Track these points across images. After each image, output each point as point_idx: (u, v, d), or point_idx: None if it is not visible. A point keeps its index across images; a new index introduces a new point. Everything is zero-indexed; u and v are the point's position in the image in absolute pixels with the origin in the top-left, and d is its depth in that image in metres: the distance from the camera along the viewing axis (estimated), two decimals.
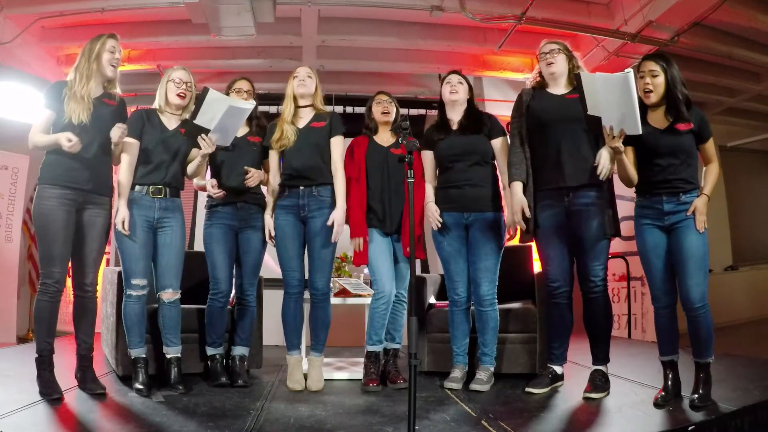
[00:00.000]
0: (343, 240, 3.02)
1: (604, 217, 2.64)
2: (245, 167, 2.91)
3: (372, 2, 4.44)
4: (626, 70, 2.29)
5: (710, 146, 2.50)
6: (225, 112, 2.65)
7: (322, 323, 2.97)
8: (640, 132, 2.37)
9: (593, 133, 2.59)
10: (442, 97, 3.02)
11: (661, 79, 2.46)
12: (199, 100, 2.65)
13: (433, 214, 2.90)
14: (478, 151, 2.90)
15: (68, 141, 2.40)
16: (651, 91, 2.47)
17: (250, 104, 2.80)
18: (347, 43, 5.08)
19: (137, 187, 2.75)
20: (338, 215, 2.87)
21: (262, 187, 3.09)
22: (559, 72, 2.75)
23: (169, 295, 2.81)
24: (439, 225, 2.89)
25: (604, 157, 2.53)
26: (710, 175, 2.47)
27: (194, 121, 2.68)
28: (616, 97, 2.31)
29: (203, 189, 2.97)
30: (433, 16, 4.50)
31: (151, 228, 2.77)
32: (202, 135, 2.71)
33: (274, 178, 2.98)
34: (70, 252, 2.55)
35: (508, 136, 2.92)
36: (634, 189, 2.59)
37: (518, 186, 2.75)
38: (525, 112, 2.79)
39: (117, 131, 2.57)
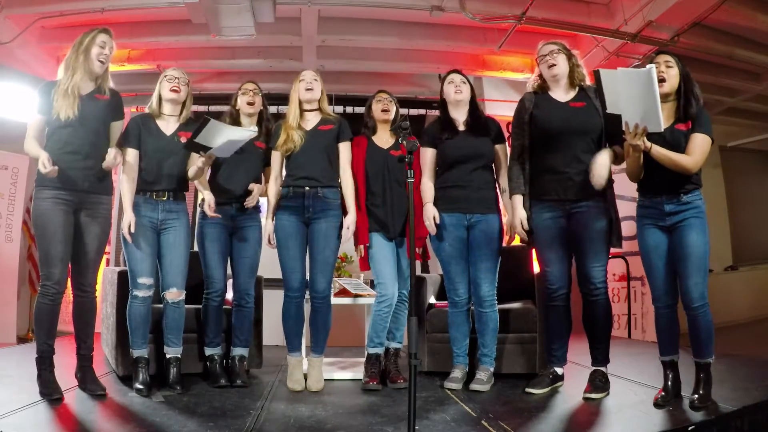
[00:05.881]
0: (344, 240, 3.03)
1: (605, 222, 2.63)
2: (250, 186, 2.92)
3: (372, 2, 4.44)
4: (648, 66, 2.24)
5: (698, 139, 2.38)
6: (224, 142, 2.64)
7: (323, 328, 2.96)
8: (662, 129, 2.30)
9: (611, 132, 2.53)
10: (444, 97, 2.99)
11: (675, 71, 2.43)
12: (199, 127, 2.59)
13: (430, 219, 2.86)
14: (485, 154, 2.90)
15: (43, 167, 2.38)
16: (664, 81, 2.41)
17: (250, 132, 2.78)
18: (347, 43, 5.08)
19: (140, 194, 2.75)
20: (351, 220, 2.90)
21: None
22: (561, 73, 2.71)
23: (174, 294, 2.80)
24: (435, 230, 2.87)
25: (599, 165, 2.52)
26: (678, 155, 2.35)
27: (194, 140, 2.63)
28: (638, 93, 2.25)
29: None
30: (433, 16, 4.50)
31: (155, 229, 2.77)
32: (201, 152, 2.68)
33: (276, 181, 2.97)
34: (70, 253, 2.53)
35: (506, 144, 2.92)
36: (636, 188, 2.57)
37: (519, 200, 2.76)
38: (528, 121, 2.74)
39: (110, 158, 2.54)
